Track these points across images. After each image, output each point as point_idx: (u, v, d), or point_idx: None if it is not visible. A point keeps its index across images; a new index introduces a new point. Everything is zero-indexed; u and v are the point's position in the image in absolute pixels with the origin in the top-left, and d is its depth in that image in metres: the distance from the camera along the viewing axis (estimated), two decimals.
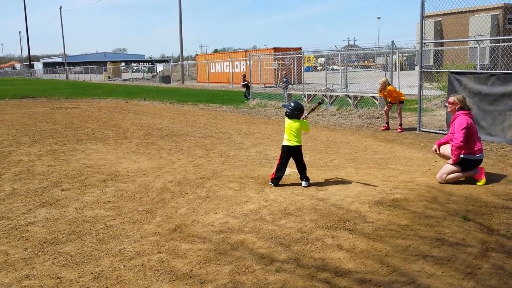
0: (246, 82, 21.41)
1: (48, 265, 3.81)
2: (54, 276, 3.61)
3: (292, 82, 28.48)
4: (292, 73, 28.77)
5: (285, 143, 6.10)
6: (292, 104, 6.17)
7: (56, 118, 14.93)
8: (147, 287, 3.42)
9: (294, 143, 6.05)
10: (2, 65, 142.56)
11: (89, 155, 8.51)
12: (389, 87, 11.01)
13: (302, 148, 6.15)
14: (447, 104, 6.48)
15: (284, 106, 6.36)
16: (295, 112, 6.08)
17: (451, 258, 3.79)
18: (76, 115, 15.83)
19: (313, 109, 7.02)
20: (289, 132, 6.08)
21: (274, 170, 6.16)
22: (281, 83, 21.69)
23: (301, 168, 6.09)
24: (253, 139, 10.10)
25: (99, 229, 4.63)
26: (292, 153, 6.08)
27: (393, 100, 11.03)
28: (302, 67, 21.50)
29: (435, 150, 6.48)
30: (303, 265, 3.72)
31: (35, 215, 5.11)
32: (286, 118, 6.17)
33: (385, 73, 20.20)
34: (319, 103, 6.91)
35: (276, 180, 6.09)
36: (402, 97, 11.23)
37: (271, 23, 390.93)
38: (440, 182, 6.03)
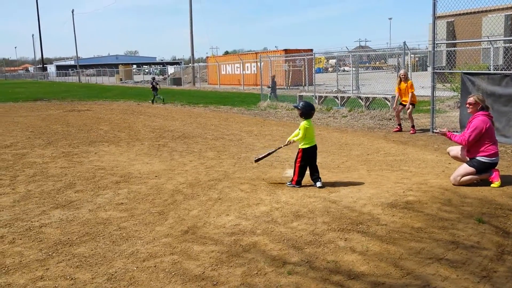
0: (272, 83, 21.30)
1: (62, 266, 3.84)
2: (68, 277, 3.64)
3: (303, 83, 28.47)
4: (303, 75, 28.73)
5: (307, 145, 6.06)
6: (303, 104, 6.22)
7: (69, 120, 15.08)
8: None
9: (314, 143, 6.12)
10: (15, 68, 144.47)
11: (102, 157, 8.58)
12: (410, 81, 10.94)
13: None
14: (467, 105, 6.32)
15: (295, 106, 6.35)
16: (311, 112, 6.16)
17: (466, 261, 3.75)
18: (88, 117, 15.97)
19: (270, 153, 6.81)
20: (308, 134, 6.06)
21: (293, 172, 6.15)
22: (269, 86, 21.76)
23: (316, 168, 6.10)
24: (264, 140, 10.10)
25: (112, 230, 4.66)
26: (312, 153, 6.11)
27: (406, 97, 10.86)
28: (313, 69, 21.46)
29: (444, 132, 6.40)
30: (316, 267, 3.70)
31: (49, 216, 5.16)
32: (304, 122, 6.07)
33: (397, 74, 20.08)
34: (278, 148, 6.76)
35: (299, 182, 6.10)
36: (415, 100, 11.11)
37: (281, 24, 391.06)
38: (454, 184, 5.96)
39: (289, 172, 6.35)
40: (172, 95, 27.58)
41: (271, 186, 6.17)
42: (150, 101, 21.62)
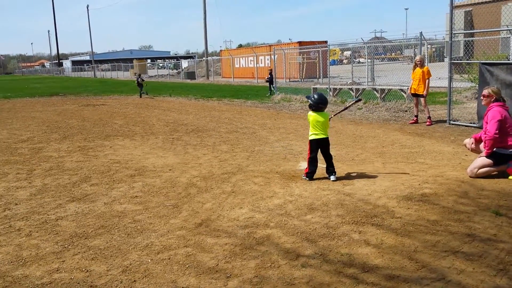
0: (270, 77, 21.70)
1: (77, 259, 3.88)
2: (83, 269, 3.69)
3: (318, 76, 28.28)
4: (317, 67, 28.53)
5: (313, 136, 6.06)
6: (315, 96, 6.13)
7: (85, 115, 15.24)
8: (174, 280, 3.45)
9: (322, 136, 6.03)
10: (32, 64, 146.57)
11: (117, 150, 8.65)
12: (426, 67, 10.77)
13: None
14: (482, 98, 6.27)
15: (308, 97, 6.31)
16: (320, 105, 6.04)
17: (483, 254, 3.68)
18: (104, 112, 16.12)
19: (346, 107, 6.97)
20: (314, 125, 6.04)
21: (306, 165, 6.13)
22: (267, 80, 22.28)
23: (330, 160, 6.05)
24: (278, 133, 10.07)
25: (127, 223, 4.70)
26: (320, 145, 6.06)
27: (419, 85, 10.67)
28: (328, 61, 21.29)
29: (470, 144, 6.31)
30: (330, 260, 3.68)
31: (65, 209, 5.22)
32: (310, 112, 6.11)
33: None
34: (357, 101, 6.83)
35: (311, 174, 6.06)
36: (427, 91, 10.88)
37: (295, 16, 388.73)
38: (471, 177, 5.87)
39: (303, 165, 6.32)
40: (186, 89, 27.68)
41: (285, 179, 6.15)
42: (139, 96, 23.09)
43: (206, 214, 4.88)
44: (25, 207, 5.34)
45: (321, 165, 6.14)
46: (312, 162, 6.06)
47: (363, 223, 4.45)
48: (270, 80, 21.66)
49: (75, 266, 3.75)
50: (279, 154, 7.79)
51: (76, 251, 4.04)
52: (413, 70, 10.97)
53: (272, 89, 21.24)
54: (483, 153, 5.92)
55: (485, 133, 5.95)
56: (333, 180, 5.92)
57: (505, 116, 5.86)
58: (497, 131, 5.78)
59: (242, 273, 3.52)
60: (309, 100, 6.14)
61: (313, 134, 6.06)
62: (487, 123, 5.98)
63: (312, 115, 6.07)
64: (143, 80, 23.64)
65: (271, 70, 22.36)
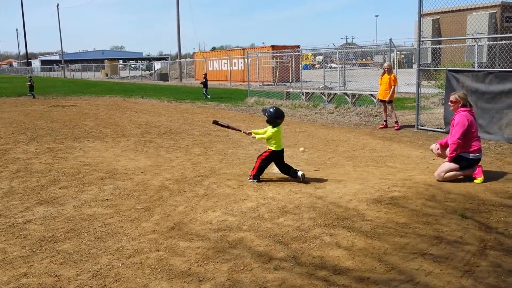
0: (204, 80, 22.03)
1: (46, 263, 3.80)
2: (52, 274, 3.61)
3: (290, 80, 28.50)
4: (290, 71, 28.76)
5: (274, 147, 6.19)
6: (271, 110, 6.24)
7: (54, 116, 14.90)
8: (145, 285, 3.41)
9: (281, 147, 6.25)
10: None
11: (87, 153, 8.49)
12: (393, 74, 11.00)
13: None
14: (449, 103, 6.45)
15: (264, 111, 6.36)
16: (277, 120, 6.20)
17: (449, 256, 3.80)
18: (73, 113, 15.79)
19: (229, 127, 7.03)
20: (278, 139, 6.20)
21: (255, 168, 6.22)
22: (201, 83, 22.55)
23: (287, 166, 6.24)
24: (251, 136, 10.07)
25: (97, 227, 4.63)
26: (278, 157, 6.23)
27: (386, 90, 10.90)
28: (300, 65, 21.50)
29: (436, 150, 6.49)
30: (302, 263, 3.72)
31: (33, 213, 5.09)
32: (269, 128, 6.22)
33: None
34: (228, 127, 6.99)
35: (258, 177, 6.19)
36: (392, 96, 11.11)
37: (269, 21, 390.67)
38: (438, 180, 6.04)
39: (276, 169, 6.37)
40: (158, 91, 27.41)
41: (257, 182, 6.18)
42: (32, 97, 23.66)
43: (178, 218, 4.85)
44: None
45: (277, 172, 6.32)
46: (263, 169, 6.22)
47: (335, 226, 4.52)
48: (205, 84, 21.83)
49: (44, 270, 3.67)
50: (252, 157, 7.80)
51: (45, 256, 3.95)
52: (381, 76, 11.20)
53: (205, 93, 21.48)
54: (447, 158, 6.10)
55: (451, 138, 6.13)
56: (301, 175, 6.05)
57: (471, 121, 6.06)
58: (460, 137, 5.97)
59: (215, 277, 3.51)
60: (266, 115, 6.24)
61: (276, 146, 6.18)
62: (453, 127, 6.16)
63: (273, 131, 6.15)
64: (33, 82, 24.57)
65: (205, 74, 22.89)
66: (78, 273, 3.62)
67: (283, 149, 6.29)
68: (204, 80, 21.93)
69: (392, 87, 10.85)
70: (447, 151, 6.25)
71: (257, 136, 6.39)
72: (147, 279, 3.49)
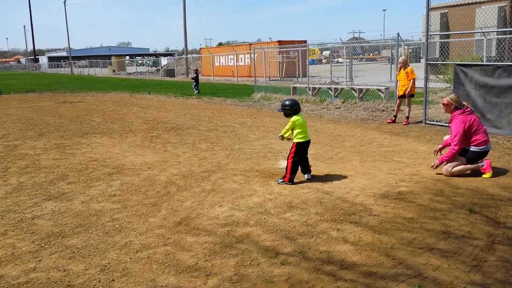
0: (195, 75, 22.29)
1: (54, 258, 3.83)
2: (61, 268, 3.64)
3: (297, 75, 28.41)
4: (296, 66, 28.67)
5: (301, 139, 5.85)
6: (287, 103, 5.93)
7: (62, 112, 14.98)
8: (153, 279, 3.43)
9: (308, 138, 5.94)
10: (7, 60, 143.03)
11: (95, 148, 8.54)
12: (410, 67, 10.83)
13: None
14: (442, 106, 6.37)
15: (282, 107, 5.99)
16: (296, 108, 5.90)
17: (457, 251, 3.78)
18: (81, 109, 15.87)
19: None
20: (303, 127, 5.87)
21: (288, 170, 5.83)
22: (192, 78, 22.94)
23: (307, 161, 6.06)
24: (258, 132, 10.09)
25: (105, 222, 4.65)
26: (306, 148, 5.96)
27: (405, 85, 10.79)
28: (307, 60, 21.42)
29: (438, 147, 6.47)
30: (309, 258, 3.72)
31: (41, 208, 5.14)
32: (293, 117, 5.86)
33: (391, 66, 20.10)
34: None
35: (293, 179, 5.85)
36: (413, 90, 11.00)
37: (276, 16, 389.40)
38: (446, 175, 6.00)
39: (283, 164, 6.35)
40: (165, 87, 27.45)
41: (265, 177, 6.18)
42: None
43: (185, 213, 4.87)
44: (0, 206, 5.23)
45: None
46: (296, 166, 5.85)
47: (342, 221, 4.51)
48: (196, 79, 22.09)
49: (52, 265, 3.70)
50: (259, 153, 7.82)
51: (53, 250, 3.98)
52: (398, 72, 11.11)
53: (193, 87, 21.71)
54: (439, 160, 6.07)
55: (451, 146, 6.09)
56: (307, 178, 5.96)
57: (469, 123, 5.97)
58: (458, 145, 5.94)
59: (222, 271, 3.52)
60: (284, 109, 5.91)
61: (301, 137, 5.84)
62: (451, 133, 6.13)
63: (297, 118, 5.84)
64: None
65: (196, 69, 23.08)
66: (87, 267, 3.64)
67: (309, 140, 5.94)
68: (195, 75, 22.31)
69: (411, 80, 10.73)
70: (444, 151, 6.25)
71: (282, 133, 5.98)
72: (154, 274, 3.51)
